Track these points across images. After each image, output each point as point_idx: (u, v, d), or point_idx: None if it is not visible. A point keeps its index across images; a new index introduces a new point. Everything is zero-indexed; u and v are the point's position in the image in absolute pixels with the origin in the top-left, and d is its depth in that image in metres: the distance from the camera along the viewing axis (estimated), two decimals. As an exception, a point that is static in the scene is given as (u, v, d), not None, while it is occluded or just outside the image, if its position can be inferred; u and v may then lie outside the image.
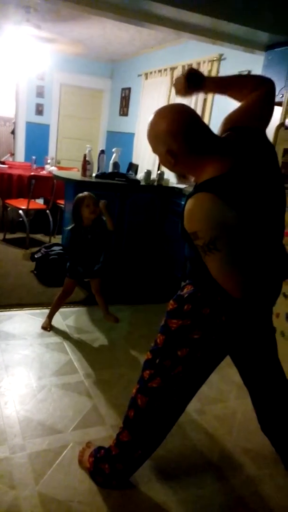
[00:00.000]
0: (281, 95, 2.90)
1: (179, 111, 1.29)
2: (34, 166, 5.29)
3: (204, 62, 4.25)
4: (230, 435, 2.02)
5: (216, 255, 1.18)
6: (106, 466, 1.59)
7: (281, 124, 2.41)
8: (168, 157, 1.30)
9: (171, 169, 1.38)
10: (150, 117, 1.32)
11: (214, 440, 1.97)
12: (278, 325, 2.44)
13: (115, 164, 4.10)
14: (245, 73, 3.71)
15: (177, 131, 1.26)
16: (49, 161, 5.46)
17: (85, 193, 2.75)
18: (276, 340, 1.70)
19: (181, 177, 1.49)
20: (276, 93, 3.25)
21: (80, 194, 2.75)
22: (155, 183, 4.09)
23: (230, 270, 1.20)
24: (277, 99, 2.96)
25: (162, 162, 1.36)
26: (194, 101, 4.26)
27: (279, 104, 2.94)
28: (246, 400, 1.91)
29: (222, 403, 2.26)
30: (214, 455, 1.88)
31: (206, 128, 1.31)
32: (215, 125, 1.43)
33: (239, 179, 1.23)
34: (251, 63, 3.61)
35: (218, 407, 2.22)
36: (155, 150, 1.35)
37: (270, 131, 2.35)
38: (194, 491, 1.67)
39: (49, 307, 2.90)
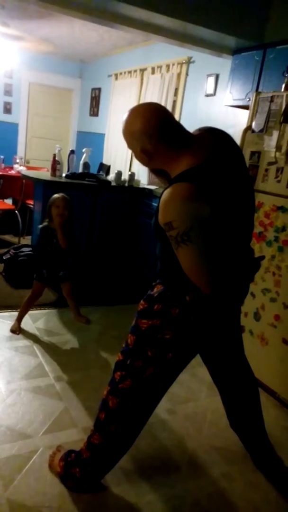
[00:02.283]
0: (248, 99, 2.97)
1: (153, 111, 1.31)
2: (2, 165, 5.18)
3: (173, 64, 4.29)
4: (200, 434, 2.04)
5: (189, 246, 1.19)
6: (77, 470, 1.58)
7: (248, 127, 2.46)
8: (142, 155, 1.33)
9: (146, 165, 1.40)
10: (125, 115, 1.34)
11: (185, 439, 1.99)
12: (246, 324, 2.50)
13: (86, 165, 4.07)
14: (214, 76, 3.78)
15: (152, 131, 1.28)
16: (18, 160, 5.37)
17: (60, 194, 2.70)
18: (242, 338, 1.73)
19: (157, 174, 1.51)
20: (243, 97, 3.34)
21: (56, 194, 2.71)
22: (126, 184, 4.09)
23: (201, 263, 1.22)
24: (243, 103, 3.05)
25: (137, 158, 1.38)
26: (163, 103, 4.28)
27: (246, 107, 3.01)
28: (216, 398, 1.94)
29: (192, 402, 2.29)
30: (185, 454, 1.90)
31: (179, 125, 1.34)
32: (185, 126, 1.45)
33: (213, 170, 1.25)
34: (219, 66, 3.68)
35: (188, 406, 2.24)
36: (129, 147, 1.37)
37: (237, 134, 2.40)
38: (165, 491, 1.67)
39: (18, 310, 2.85)
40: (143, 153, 1.32)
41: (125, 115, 1.34)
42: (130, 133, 1.32)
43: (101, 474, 1.60)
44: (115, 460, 1.58)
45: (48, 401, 2.11)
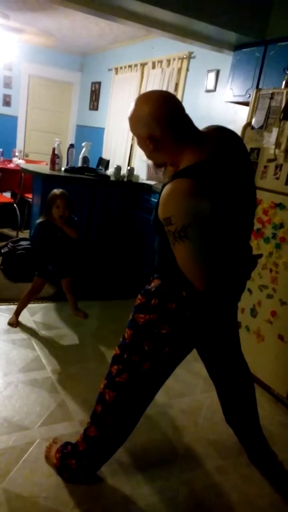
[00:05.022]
0: (248, 95, 2.97)
1: (165, 97, 1.29)
2: (1, 158, 5.16)
3: (174, 59, 4.27)
4: (195, 427, 2.06)
5: (185, 243, 1.20)
6: (73, 462, 1.59)
7: (248, 124, 2.46)
8: (147, 142, 1.31)
9: (149, 155, 1.38)
10: (135, 99, 1.32)
11: (180, 433, 2.01)
12: (243, 320, 2.51)
13: (85, 159, 4.06)
14: (214, 71, 3.77)
15: (162, 117, 1.26)
16: (17, 154, 5.35)
17: (60, 191, 2.66)
18: (239, 333, 1.75)
19: (157, 167, 1.49)
20: (244, 93, 3.33)
21: (55, 191, 2.67)
22: (125, 179, 4.08)
23: (196, 260, 1.22)
24: (244, 99, 3.05)
25: (141, 145, 1.36)
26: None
27: (246, 104, 3.01)
28: (212, 393, 1.96)
29: (188, 396, 2.30)
30: (180, 447, 1.92)
31: (189, 118, 1.33)
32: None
33: (216, 168, 1.26)
34: (219, 62, 3.67)
35: (184, 400, 2.26)
36: (134, 132, 1.34)
37: (237, 131, 2.40)
38: (160, 483, 1.69)
39: (16, 303, 2.85)
40: (149, 139, 1.30)
41: (135, 100, 1.31)
42: (138, 117, 1.29)
43: (97, 466, 1.62)
44: (111, 453, 1.60)
45: (45, 394, 2.13)
